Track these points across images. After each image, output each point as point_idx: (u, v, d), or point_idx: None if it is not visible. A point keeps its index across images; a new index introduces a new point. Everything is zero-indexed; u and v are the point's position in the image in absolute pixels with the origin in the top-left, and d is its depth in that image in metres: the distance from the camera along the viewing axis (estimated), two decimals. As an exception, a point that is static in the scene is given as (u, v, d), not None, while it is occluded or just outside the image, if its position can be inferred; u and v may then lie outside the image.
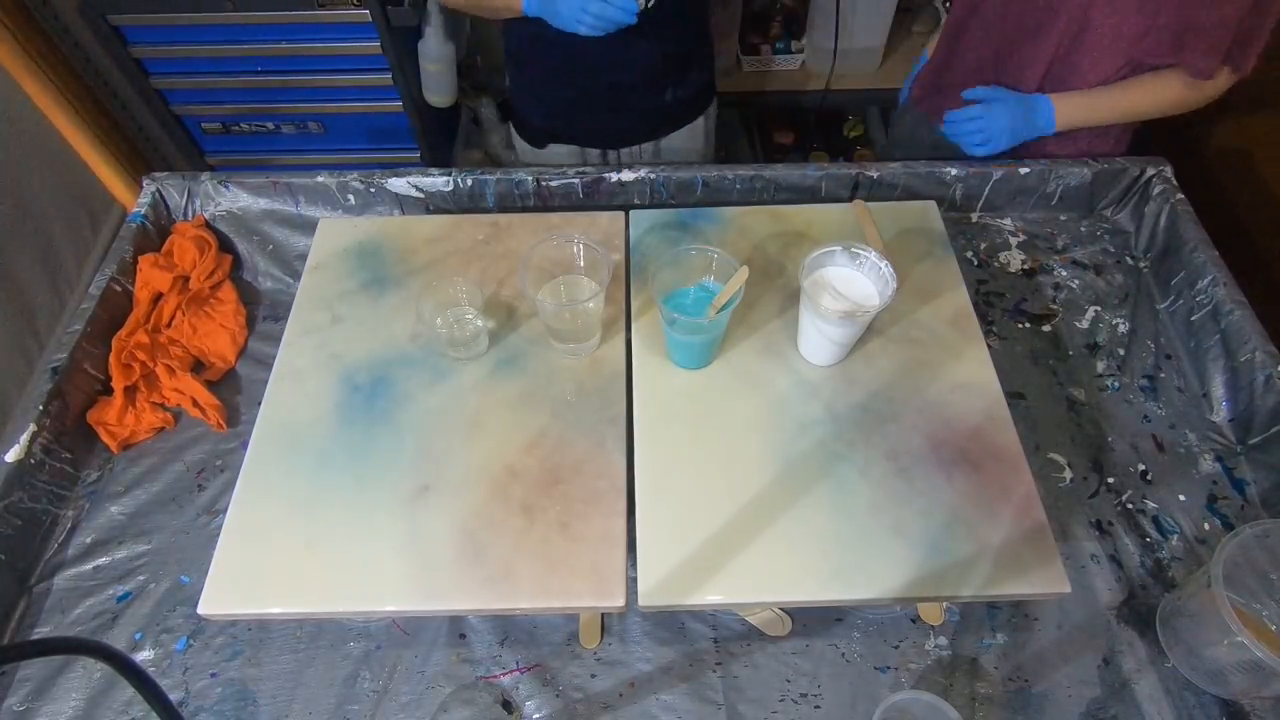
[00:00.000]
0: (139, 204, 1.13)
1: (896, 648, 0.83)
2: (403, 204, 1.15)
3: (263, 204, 1.14)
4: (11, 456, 0.88)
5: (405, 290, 0.97)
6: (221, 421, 0.99)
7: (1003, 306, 1.09)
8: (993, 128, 1.05)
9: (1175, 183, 1.11)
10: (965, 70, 1.16)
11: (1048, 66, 1.05)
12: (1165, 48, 0.96)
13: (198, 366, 1.05)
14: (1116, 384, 1.01)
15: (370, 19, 1.54)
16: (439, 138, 1.88)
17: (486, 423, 0.85)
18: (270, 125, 1.79)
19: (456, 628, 0.85)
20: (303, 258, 1.03)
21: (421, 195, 1.13)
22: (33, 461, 0.90)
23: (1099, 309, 1.08)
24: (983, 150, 1.07)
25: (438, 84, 1.69)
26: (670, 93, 1.24)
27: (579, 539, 0.77)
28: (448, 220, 1.05)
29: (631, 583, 0.75)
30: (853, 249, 0.85)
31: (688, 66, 1.25)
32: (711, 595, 0.74)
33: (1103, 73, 1.03)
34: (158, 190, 1.14)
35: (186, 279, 1.08)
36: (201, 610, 0.74)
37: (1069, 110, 1.05)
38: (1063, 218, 1.18)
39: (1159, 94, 1.02)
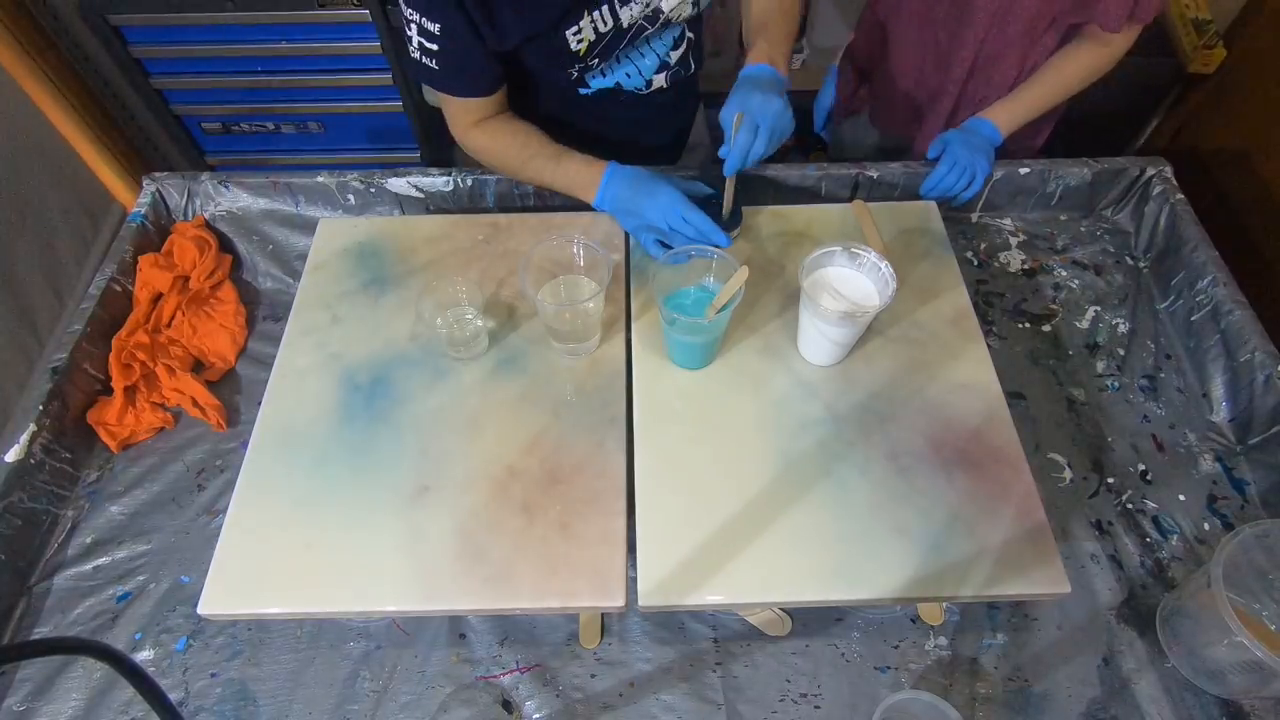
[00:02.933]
0: (139, 204, 1.13)
1: (896, 648, 0.83)
2: (403, 204, 1.15)
3: (263, 204, 1.14)
4: (11, 456, 0.88)
5: (405, 290, 0.97)
6: (221, 421, 0.99)
7: (1003, 306, 1.09)
8: (966, 165, 1.07)
9: (1175, 183, 1.11)
10: (900, 61, 1.20)
11: (980, 43, 1.08)
12: (1082, 3, 1.00)
13: (198, 366, 1.05)
14: (1116, 384, 1.01)
15: (370, 19, 1.54)
16: (439, 138, 1.87)
17: (486, 423, 0.85)
18: (270, 125, 1.79)
19: (456, 628, 0.85)
20: (303, 258, 1.03)
21: (421, 195, 1.13)
22: (33, 461, 0.90)
23: (1099, 309, 1.08)
24: (975, 189, 1.09)
25: (438, 84, 1.69)
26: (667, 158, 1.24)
27: (579, 539, 0.77)
28: (448, 220, 1.05)
29: (631, 583, 0.75)
30: (853, 249, 0.85)
31: (685, 137, 1.26)
32: (711, 595, 0.74)
33: (1031, 38, 1.06)
34: (158, 190, 1.14)
35: (186, 279, 1.08)
36: (201, 610, 0.74)
37: (1004, 117, 1.09)
38: (1063, 218, 1.18)
39: (1073, 67, 1.06)
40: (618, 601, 0.73)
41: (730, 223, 0.98)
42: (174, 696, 0.81)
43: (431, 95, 1.70)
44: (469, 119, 0.99)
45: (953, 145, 1.08)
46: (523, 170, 1.00)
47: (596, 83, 1.01)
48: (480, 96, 0.96)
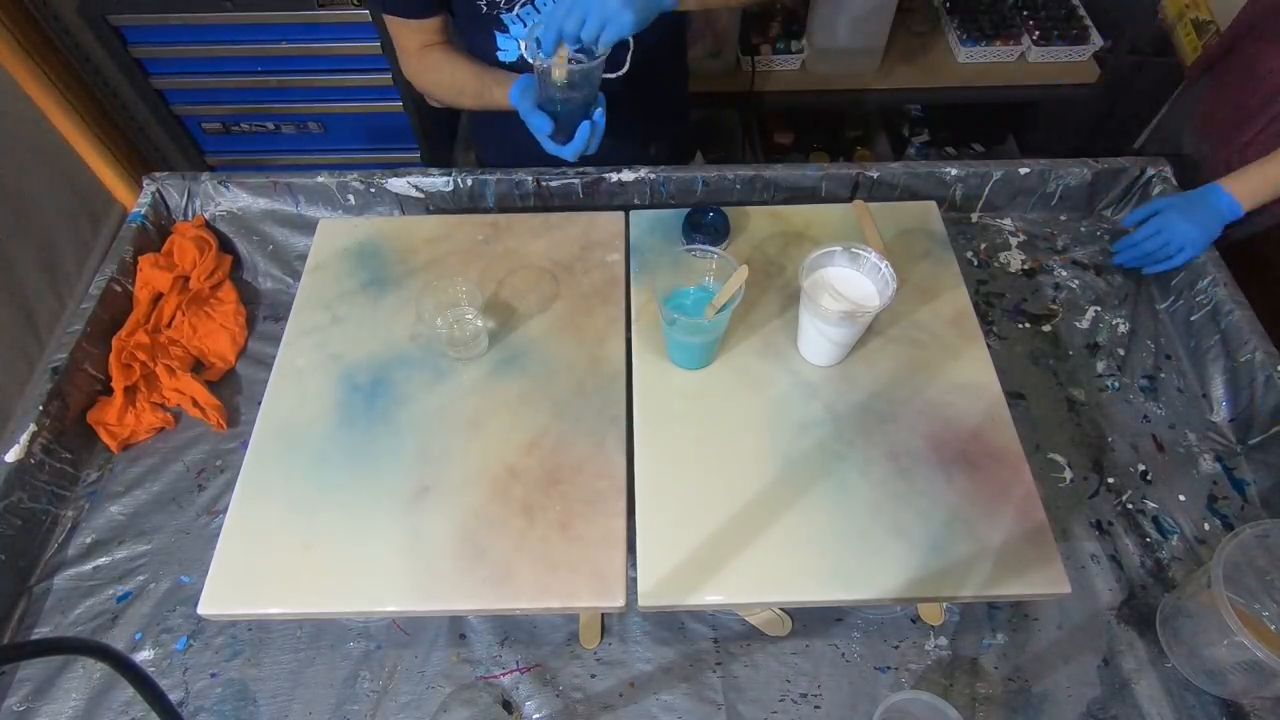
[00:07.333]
0: (139, 204, 1.13)
1: (896, 648, 0.83)
2: (403, 204, 1.15)
3: (263, 204, 1.14)
4: (11, 456, 0.88)
5: (405, 290, 0.97)
6: (221, 421, 0.99)
7: (1003, 306, 1.09)
8: (1176, 237, 0.99)
9: (1175, 183, 1.11)
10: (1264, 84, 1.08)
11: None
12: None
13: (198, 366, 1.05)
14: (1116, 384, 1.01)
15: (370, 19, 1.55)
16: (439, 138, 1.88)
17: (486, 423, 0.85)
18: (270, 125, 1.79)
19: (456, 628, 0.85)
20: (303, 258, 1.03)
21: (421, 195, 1.13)
22: (33, 461, 0.90)
23: (1099, 309, 1.08)
24: (1176, 262, 1.01)
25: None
26: (653, 147, 1.22)
27: (579, 539, 0.77)
28: (448, 220, 1.05)
29: (631, 583, 0.75)
30: (853, 249, 0.85)
31: (668, 120, 1.24)
32: (711, 595, 0.74)
33: None
34: (158, 190, 1.14)
35: (186, 279, 1.08)
36: (201, 610, 0.74)
37: (1249, 188, 0.96)
38: (1063, 218, 1.18)
39: None
40: (618, 601, 0.73)
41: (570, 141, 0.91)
42: (174, 697, 0.81)
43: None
44: (412, 45, 1.03)
45: (1167, 212, 1.00)
46: (459, 102, 1.06)
47: (515, 29, 0.99)
48: (416, 18, 1.00)
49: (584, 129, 0.89)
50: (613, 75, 0.91)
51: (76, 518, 0.94)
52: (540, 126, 0.89)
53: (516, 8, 0.97)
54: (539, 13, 0.98)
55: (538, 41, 0.84)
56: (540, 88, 0.89)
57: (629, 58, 0.93)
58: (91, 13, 1.52)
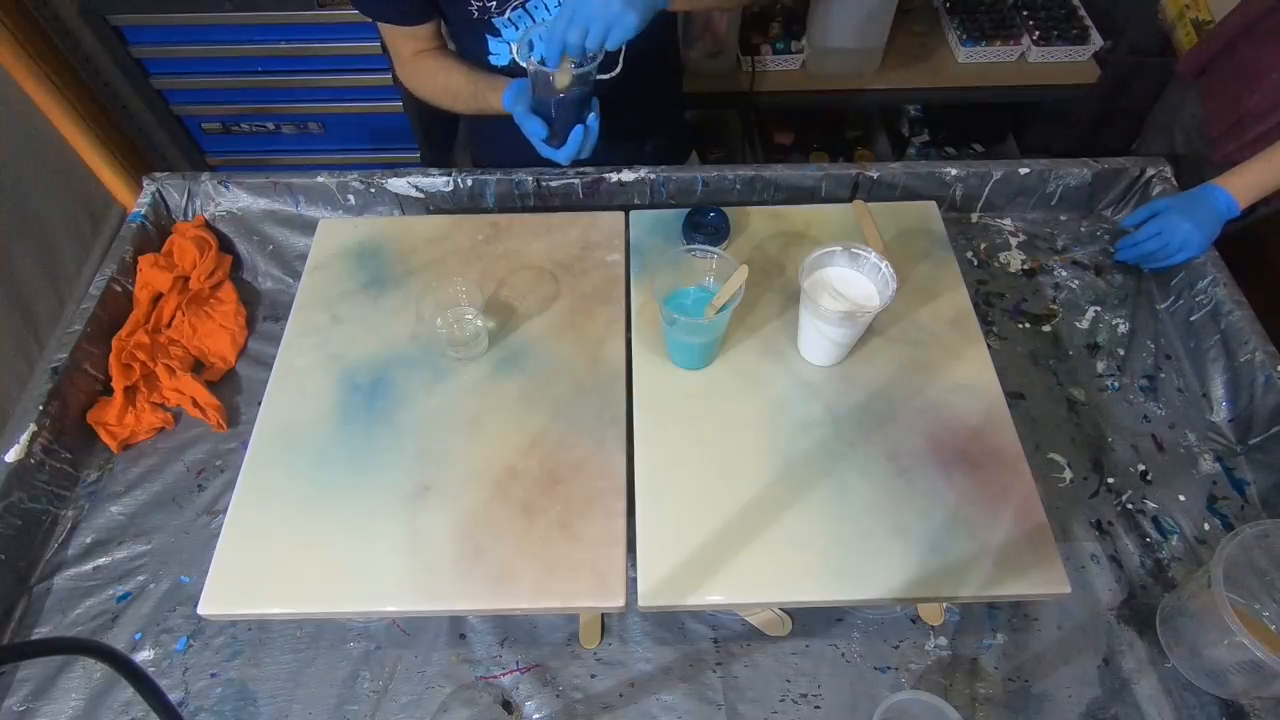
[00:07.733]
0: (139, 204, 1.13)
1: (896, 648, 0.83)
2: (403, 204, 1.15)
3: (263, 204, 1.14)
4: (11, 456, 0.88)
5: (405, 290, 0.97)
6: (221, 421, 0.99)
7: (1003, 306, 1.09)
8: (1175, 237, 0.99)
9: (1175, 183, 1.11)
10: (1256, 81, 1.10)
11: None
12: None
13: (198, 367, 1.05)
14: (1116, 384, 1.01)
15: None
16: (439, 138, 1.88)
17: (486, 423, 0.85)
18: (270, 125, 1.79)
19: (457, 628, 0.85)
20: (303, 258, 1.03)
21: (421, 195, 1.13)
22: (33, 461, 0.90)
23: (1099, 309, 1.08)
24: (1176, 260, 1.02)
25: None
26: (649, 144, 1.23)
27: (579, 539, 0.77)
28: (448, 220, 1.05)
29: (631, 583, 0.75)
30: (853, 249, 0.85)
31: (664, 117, 1.24)
32: (711, 595, 0.74)
33: None
34: (158, 190, 1.14)
35: (186, 279, 1.08)
36: (201, 610, 0.74)
37: (1245, 185, 0.98)
38: (1063, 218, 1.18)
39: None
40: (618, 601, 0.73)
41: (564, 146, 0.90)
42: (174, 697, 0.81)
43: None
44: (406, 50, 1.03)
45: (1167, 213, 1.00)
46: (453, 106, 1.06)
47: (507, 33, 0.99)
48: (407, 25, 1.00)
49: (577, 133, 0.89)
50: (606, 77, 0.91)
51: (76, 518, 0.94)
52: (535, 131, 0.90)
53: (508, 11, 0.97)
54: (530, 16, 0.98)
55: (530, 45, 0.84)
56: (533, 92, 0.89)
57: (621, 59, 0.93)
58: (91, 13, 1.52)
